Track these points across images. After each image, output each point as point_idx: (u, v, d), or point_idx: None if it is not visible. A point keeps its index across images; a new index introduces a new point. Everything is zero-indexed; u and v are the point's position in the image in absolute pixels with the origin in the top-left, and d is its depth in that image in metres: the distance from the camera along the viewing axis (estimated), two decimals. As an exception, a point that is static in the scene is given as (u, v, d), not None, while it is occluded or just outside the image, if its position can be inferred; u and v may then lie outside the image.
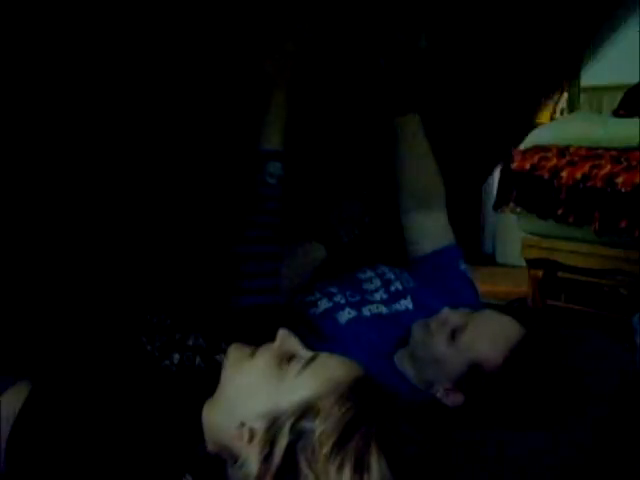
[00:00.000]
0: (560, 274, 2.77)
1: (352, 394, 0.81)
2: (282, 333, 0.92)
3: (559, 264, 2.63)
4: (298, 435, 0.79)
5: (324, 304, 1.37)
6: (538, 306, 2.72)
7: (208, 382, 0.96)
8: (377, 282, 1.47)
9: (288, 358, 0.88)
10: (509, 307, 2.81)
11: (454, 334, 1.18)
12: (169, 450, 0.88)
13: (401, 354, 1.28)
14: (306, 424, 0.79)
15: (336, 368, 0.86)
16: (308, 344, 1.28)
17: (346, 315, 1.35)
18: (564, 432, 1.09)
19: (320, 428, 0.78)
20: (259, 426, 0.82)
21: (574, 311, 2.84)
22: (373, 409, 0.80)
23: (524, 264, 2.77)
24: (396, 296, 1.44)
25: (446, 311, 1.24)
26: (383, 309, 1.40)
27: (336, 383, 0.83)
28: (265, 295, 1.25)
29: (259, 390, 0.86)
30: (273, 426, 0.81)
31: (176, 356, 1.03)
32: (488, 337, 1.16)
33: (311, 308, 1.37)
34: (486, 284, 3.64)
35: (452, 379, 1.16)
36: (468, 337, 1.17)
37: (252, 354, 0.91)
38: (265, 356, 0.89)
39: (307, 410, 0.81)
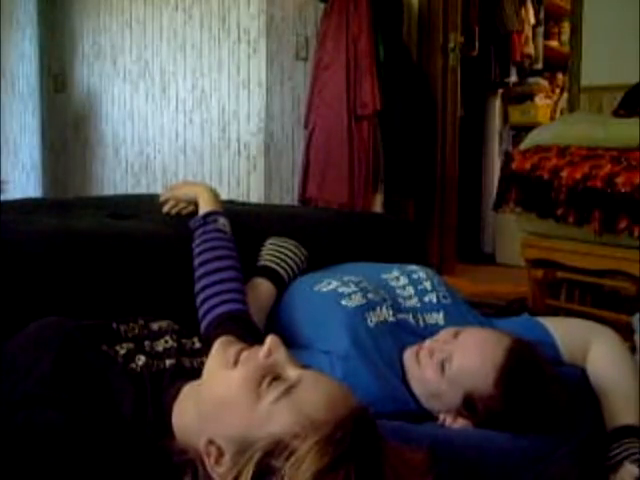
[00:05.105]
0: (560, 274, 2.76)
1: (331, 439, 0.73)
2: (271, 342, 0.83)
3: (559, 264, 2.63)
4: (265, 471, 0.73)
5: (358, 299, 1.35)
6: (538, 306, 2.72)
7: (177, 384, 0.93)
8: (410, 290, 1.45)
9: (271, 378, 0.80)
10: (509, 307, 2.81)
11: (442, 366, 1.20)
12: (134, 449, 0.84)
13: None
14: (275, 463, 0.73)
15: (319, 405, 0.77)
16: (331, 335, 1.28)
17: (375, 317, 1.33)
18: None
19: (289, 472, 0.72)
20: (228, 449, 0.78)
21: (574, 311, 2.84)
22: (354, 453, 0.73)
23: (524, 264, 2.77)
24: (429, 308, 1.42)
25: (428, 342, 1.26)
26: (410, 319, 1.39)
27: (315, 425, 0.74)
28: (230, 303, 1.21)
29: (233, 408, 0.79)
30: (242, 454, 0.76)
31: (142, 358, 0.98)
32: (475, 363, 1.17)
33: (343, 299, 1.35)
34: (486, 284, 3.66)
35: (452, 410, 1.19)
36: (455, 367, 1.19)
37: (235, 362, 0.83)
38: (246, 369, 0.82)
39: (278, 447, 0.74)
